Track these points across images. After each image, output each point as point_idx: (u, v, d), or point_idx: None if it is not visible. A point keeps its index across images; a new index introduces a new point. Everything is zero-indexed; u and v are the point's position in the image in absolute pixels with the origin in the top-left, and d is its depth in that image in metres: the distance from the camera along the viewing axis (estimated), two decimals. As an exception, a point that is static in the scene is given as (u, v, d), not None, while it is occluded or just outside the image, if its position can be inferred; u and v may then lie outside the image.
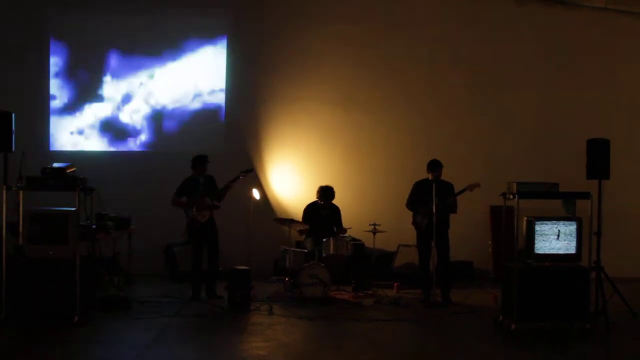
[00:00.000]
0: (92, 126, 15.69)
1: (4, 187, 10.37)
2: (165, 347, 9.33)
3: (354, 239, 13.49)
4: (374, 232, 12.98)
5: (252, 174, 13.47)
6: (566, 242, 10.23)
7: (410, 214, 12.54)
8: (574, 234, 10.25)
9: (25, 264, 10.34)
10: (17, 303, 10.33)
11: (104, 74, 15.69)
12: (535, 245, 10.19)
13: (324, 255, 12.64)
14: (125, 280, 12.85)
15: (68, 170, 10.67)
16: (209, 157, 12.61)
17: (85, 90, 15.70)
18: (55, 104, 15.70)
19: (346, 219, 13.51)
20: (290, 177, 15.46)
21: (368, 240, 13.38)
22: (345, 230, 13.28)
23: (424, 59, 15.53)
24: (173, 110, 15.65)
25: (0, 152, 10.57)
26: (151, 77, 15.66)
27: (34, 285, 10.27)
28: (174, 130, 15.64)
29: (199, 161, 12.48)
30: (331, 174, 14.67)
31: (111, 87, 15.69)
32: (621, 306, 10.98)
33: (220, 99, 15.64)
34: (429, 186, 12.02)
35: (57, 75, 15.72)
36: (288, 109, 15.52)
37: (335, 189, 13.40)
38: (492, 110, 15.47)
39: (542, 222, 10.22)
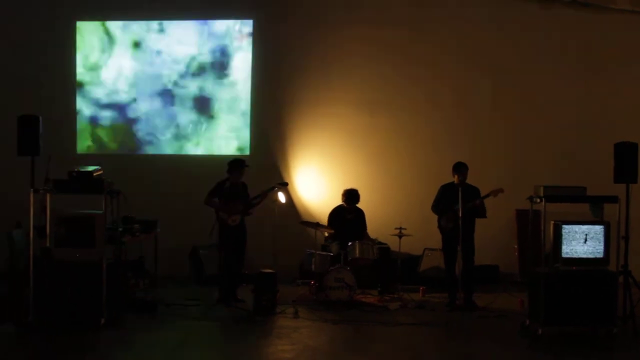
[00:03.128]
0: (118, 129, 15.78)
1: (32, 190, 10.43)
2: (191, 350, 9.35)
3: (379, 243, 13.47)
4: (400, 235, 12.95)
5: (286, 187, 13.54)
6: (593, 246, 10.15)
7: (435, 216, 12.51)
8: (602, 238, 10.17)
9: (53, 266, 10.38)
10: (44, 306, 10.37)
11: (130, 77, 15.77)
12: (563, 249, 10.12)
13: (349, 258, 12.63)
14: (151, 283, 12.89)
15: (95, 174, 10.71)
16: (245, 161, 12.64)
17: (112, 93, 15.78)
18: (82, 107, 15.79)
19: (372, 223, 13.50)
20: (315, 180, 15.46)
21: (394, 244, 13.35)
22: (372, 241, 13.25)
23: (448, 61, 15.46)
24: (198, 113, 15.68)
25: (27, 155, 10.64)
26: (177, 81, 15.71)
27: (60, 288, 10.30)
28: (199, 134, 15.68)
29: (235, 165, 12.47)
30: (357, 177, 14.64)
31: (137, 90, 15.76)
32: (649, 311, 10.90)
33: (245, 102, 15.67)
34: (455, 190, 11.96)
35: (84, 78, 15.81)
36: (313, 111, 15.52)
37: (360, 192, 13.40)
38: (518, 113, 15.37)
39: (569, 225, 10.16)
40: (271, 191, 12.60)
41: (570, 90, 15.32)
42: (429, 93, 15.48)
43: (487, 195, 12.07)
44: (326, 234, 13.43)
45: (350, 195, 13.33)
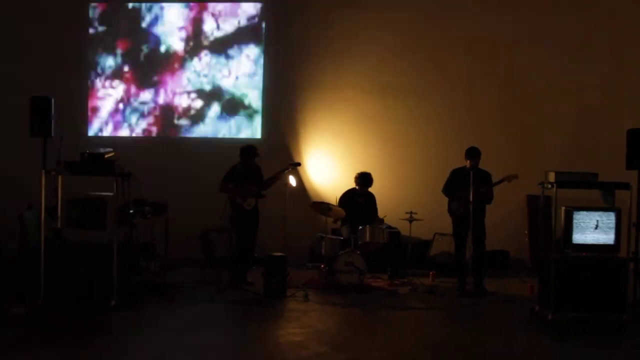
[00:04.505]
0: (130, 112, 15.80)
1: (43, 171, 10.46)
2: (201, 333, 9.37)
3: (390, 227, 13.46)
4: (410, 220, 12.95)
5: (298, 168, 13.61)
6: (604, 232, 10.14)
7: (446, 201, 12.50)
8: (613, 225, 10.15)
9: (64, 248, 10.42)
10: (55, 287, 10.42)
11: (142, 60, 15.80)
12: (573, 236, 10.11)
13: (359, 242, 12.63)
14: (161, 266, 12.91)
15: (106, 156, 10.74)
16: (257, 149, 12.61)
17: (123, 76, 15.81)
18: (94, 89, 15.83)
19: (382, 207, 13.48)
20: (326, 164, 15.46)
21: (404, 229, 13.36)
22: (381, 221, 13.25)
23: (461, 46, 15.43)
24: (210, 96, 15.69)
25: (39, 136, 10.66)
26: (189, 63, 15.74)
27: (71, 270, 10.35)
28: (211, 117, 15.68)
29: (247, 151, 12.45)
30: (368, 161, 14.61)
31: (149, 74, 15.79)
32: (659, 298, 10.87)
33: (257, 85, 15.66)
34: (467, 174, 11.94)
35: (96, 61, 15.84)
36: (325, 95, 15.51)
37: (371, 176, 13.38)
38: (530, 98, 15.32)
39: (580, 212, 10.14)
40: (284, 172, 12.62)
41: (583, 76, 15.24)
42: (440, 78, 15.47)
43: (501, 181, 12.06)
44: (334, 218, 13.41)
45: (363, 179, 13.30)
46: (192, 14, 15.81)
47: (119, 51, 15.90)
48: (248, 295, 11.58)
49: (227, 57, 15.75)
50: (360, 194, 13.36)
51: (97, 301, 10.35)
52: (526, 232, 14.88)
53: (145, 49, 15.86)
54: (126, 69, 15.88)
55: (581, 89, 15.24)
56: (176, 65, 15.80)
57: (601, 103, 15.13)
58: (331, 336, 9.41)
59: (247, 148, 12.49)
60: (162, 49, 15.84)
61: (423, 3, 15.47)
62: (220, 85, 15.75)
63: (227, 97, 15.74)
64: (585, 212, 10.16)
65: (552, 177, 10.34)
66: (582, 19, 15.29)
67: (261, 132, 15.51)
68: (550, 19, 15.36)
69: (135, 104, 15.84)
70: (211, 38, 15.79)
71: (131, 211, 11.20)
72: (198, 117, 15.74)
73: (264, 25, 15.68)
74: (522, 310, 10.82)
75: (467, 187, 11.87)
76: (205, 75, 15.77)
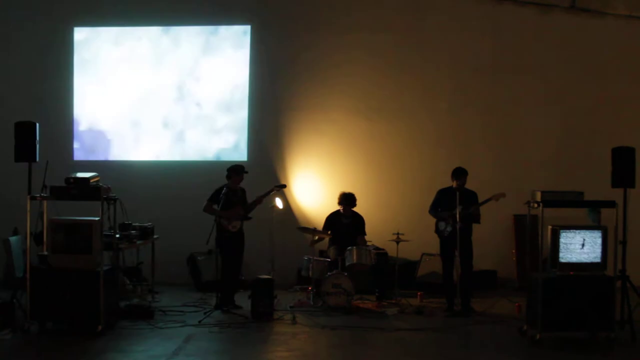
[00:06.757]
0: (115, 135, 15.76)
1: (29, 196, 10.42)
2: (189, 357, 9.32)
3: (377, 248, 13.43)
4: (398, 241, 12.92)
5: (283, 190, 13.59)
6: (591, 251, 10.11)
7: (433, 222, 12.49)
8: (599, 243, 10.13)
9: (50, 273, 10.37)
10: (41, 312, 10.37)
11: (127, 84, 15.75)
12: (560, 254, 10.08)
13: (347, 264, 12.61)
14: (148, 290, 12.87)
15: (92, 180, 10.69)
16: (245, 167, 12.60)
17: (108, 100, 15.77)
18: (79, 114, 15.78)
19: (370, 228, 13.45)
20: (313, 186, 15.42)
21: (391, 249, 13.32)
22: (365, 243, 13.21)
23: (446, 67, 15.43)
24: (196, 119, 15.67)
25: (24, 162, 10.64)
26: (174, 87, 15.70)
27: (57, 295, 10.28)
28: (196, 140, 15.65)
29: (235, 171, 12.44)
30: (354, 182, 14.60)
31: (134, 98, 15.74)
32: (647, 316, 10.88)
33: (243, 107, 15.65)
34: (453, 194, 11.97)
35: (81, 84, 15.79)
36: (311, 117, 15.49)
37: (358, 197, 13.32)
38: (516, 119, 15.33)
39: (567, 230, 10.13)
40: (268, 194, 12.61)
41: (568, 95, 15.28)
42: (427, 99, 15.45)
43: (489, 200, 12.07)
44: (316, 238, 13.35)
45: (345, 199, 13.26)
46: (178, 37, 15.82)
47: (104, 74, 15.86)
48: (236, 318, 11.52)
49: (213, 79, 15.73)
50: (345, 215, 13.33)
51: (83, 326, 10.31)
52: (513, 251, 14.88)
53: (131, 72, 15.82)
54: (111, 92, 15.83)
55: (566, 108, 15.26)
56: (162, 86, 15.75)
57: (586, 121, 15.16)
58: (319, 359, 9.38)
59: (234, 167, 12.48)
60: (148, 72, 15.81)
61: (408, 26, 15.47)
62: (206, 107, 15.70)
63: (213, 119, 15.70)
64: (571, 231, 10.14)
65: (538, 196, 10.35)
66: (568, 41, 15.35)
67: (247, 155, 15.47)
68: (534, 40, 15.40)
69: (120, 126, 15.79)
70: (198, 61, 15.77)
71: (117, 236, 11.16)
72: (184, 139, 15.69)
73: (250, 47, 15.67)
74: (511, 329, 10.82)
75: (453, 207, 11.89)
76: (191, 96, 15.74)
